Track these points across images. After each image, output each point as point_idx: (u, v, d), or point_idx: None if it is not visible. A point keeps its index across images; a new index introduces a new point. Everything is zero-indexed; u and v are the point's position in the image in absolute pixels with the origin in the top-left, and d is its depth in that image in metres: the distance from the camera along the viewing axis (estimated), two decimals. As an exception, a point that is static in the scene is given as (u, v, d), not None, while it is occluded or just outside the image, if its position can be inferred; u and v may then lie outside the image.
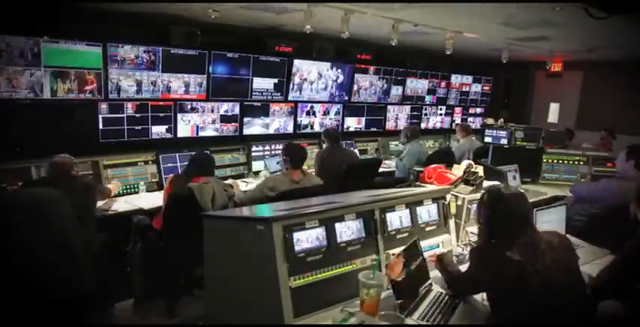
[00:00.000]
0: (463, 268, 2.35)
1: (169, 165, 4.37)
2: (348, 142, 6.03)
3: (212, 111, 4.93)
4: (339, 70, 5.92)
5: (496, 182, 3.14)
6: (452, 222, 2.58)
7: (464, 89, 7.88)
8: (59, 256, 2.33)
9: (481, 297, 2.04)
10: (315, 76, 5.67)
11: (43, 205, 2.40)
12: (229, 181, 4.00)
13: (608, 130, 6.80)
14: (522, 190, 2.06)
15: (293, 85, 5.47)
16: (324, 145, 4.87)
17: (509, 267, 1.75)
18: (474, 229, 2.64)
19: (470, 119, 8.15)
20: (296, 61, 5.38)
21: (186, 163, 3.62)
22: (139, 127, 4.42)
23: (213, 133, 4.99)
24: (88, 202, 3.10)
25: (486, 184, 2.89)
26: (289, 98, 5.52)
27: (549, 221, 2.73)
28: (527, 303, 1.72)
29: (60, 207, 2.44)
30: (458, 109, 7.99)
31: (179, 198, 3.16)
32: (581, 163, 4.74)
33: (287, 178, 3.46)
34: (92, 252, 2.83)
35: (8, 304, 2.22)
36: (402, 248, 2.01)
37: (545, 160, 4.79)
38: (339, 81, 5.97)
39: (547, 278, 1.73)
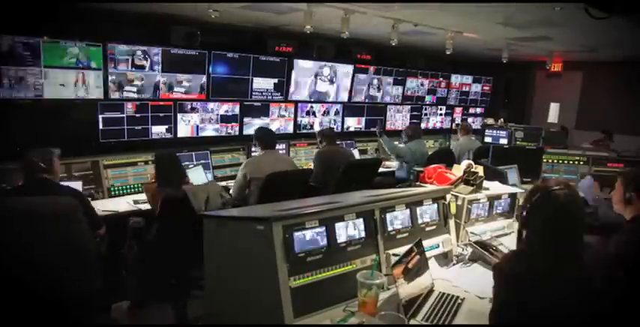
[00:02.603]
0: (460, 266, 2.36)
1: (169, 165, 4.36)
2: (348, 142, 6.03)
3: (212, 111, 4.93)
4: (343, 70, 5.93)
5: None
6: (452, 222, 2.57)
7: (464, 89, 7.88)
8: (69, 259, 2.36)
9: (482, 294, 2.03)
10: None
11: (57, 214, 2.39)
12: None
13: (606, 133, 6.71)
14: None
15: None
16: (322, 145, 4.87)
17: (547, 288, 1.42)
18: (474, 229, 2.64)
19: (470, 119, 8.14)
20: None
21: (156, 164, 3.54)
22: (139, 127, 4.42)
23: (213, 133, 4.99)
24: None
25: (487, 183, 2.88)
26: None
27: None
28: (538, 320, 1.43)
29: (76, 214, 2.46)
30: (458, 109, 7.99)
31: (172, 201, 3.14)
32: (581, 163, 4.74)
33: (271, 158, 3.85)
34: (100, 254, 2.82)
35: (13, 306, 2.23)
36: (403, 248, 2.01)
37: (545, 160, 4.79)
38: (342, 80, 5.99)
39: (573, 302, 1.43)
